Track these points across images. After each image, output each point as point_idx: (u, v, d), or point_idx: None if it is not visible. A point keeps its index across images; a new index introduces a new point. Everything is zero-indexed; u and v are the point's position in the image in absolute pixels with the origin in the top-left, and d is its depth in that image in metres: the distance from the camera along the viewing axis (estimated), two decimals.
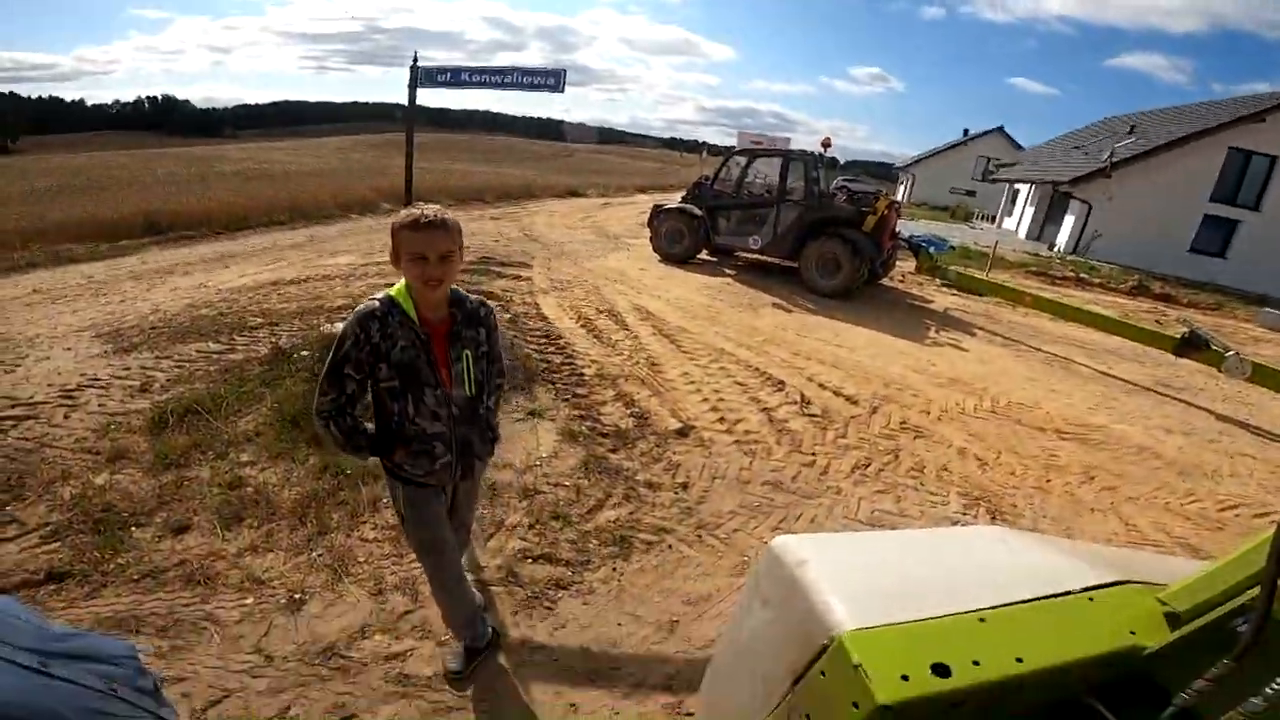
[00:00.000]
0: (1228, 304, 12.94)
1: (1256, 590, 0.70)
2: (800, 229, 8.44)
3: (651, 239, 9.53)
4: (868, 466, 3.77)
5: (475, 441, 1.85)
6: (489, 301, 1.91)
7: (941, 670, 0.70)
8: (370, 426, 1.80)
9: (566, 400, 4.22)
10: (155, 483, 2.96)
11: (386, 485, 1.93)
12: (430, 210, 1.58)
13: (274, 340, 4.62)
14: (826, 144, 9.44)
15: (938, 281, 9.57)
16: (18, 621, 0.72)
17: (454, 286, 1.73)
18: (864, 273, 8.10)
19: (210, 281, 6.74)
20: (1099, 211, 17.58)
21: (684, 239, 9.26)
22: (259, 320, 5.22)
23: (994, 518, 3.39)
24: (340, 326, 1.72)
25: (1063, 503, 3.63)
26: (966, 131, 38.81)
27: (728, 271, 9.11)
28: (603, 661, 2.21)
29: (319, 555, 2.59)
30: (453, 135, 62.98)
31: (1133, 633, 0.81)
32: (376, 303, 1.66)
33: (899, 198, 20.07)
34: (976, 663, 0.72)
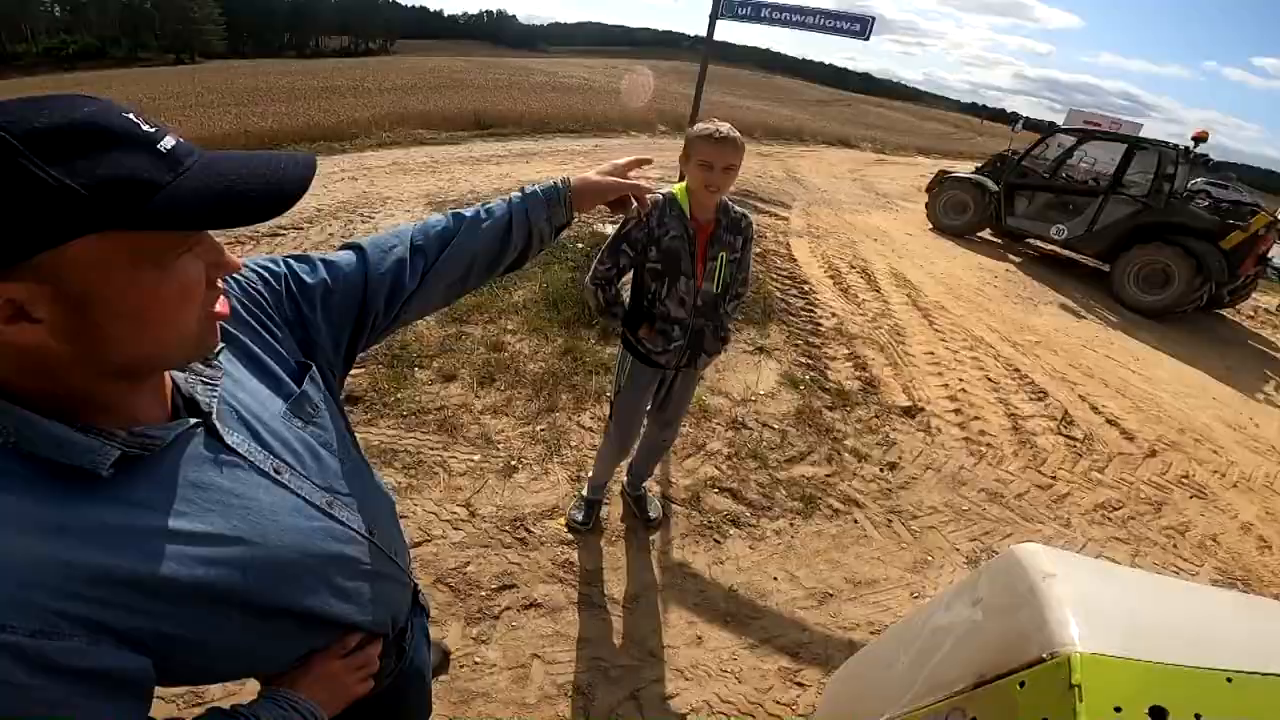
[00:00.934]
0: None
1: None
2: (1128, 229, 6.87)
3: (927, 205, 8.61)
4: (1116, 510, 3.14)
5: (708, 336, 2.03)
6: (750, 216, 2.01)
7: (1158, 714, 0.67)
8: (627, 300, 2.05)
9: (797, 346, 4.14)
10: (442, 333, 3.56)
11: (619, 357, 2.14)
12: (724, 127, 1.74)
13: None
14: (1201, 138, 7.31)
15: None
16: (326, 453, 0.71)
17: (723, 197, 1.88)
18: (1202, 296, 6.36)
19: (513, 174, 7.82)
20: None
21: (967, 212, 8.19)
22: None
23: None
24: (610, 228, 1.92)
25: None
26: None
27: (1012, 258, 7.84)
28: (744, 607, 2.22)
29: (541, 430, 2.91)
30: (733, 69, 62.46)
31: None
32: (660, 196, 1.84)
33: None
34: (1199, 716, 0.67)
